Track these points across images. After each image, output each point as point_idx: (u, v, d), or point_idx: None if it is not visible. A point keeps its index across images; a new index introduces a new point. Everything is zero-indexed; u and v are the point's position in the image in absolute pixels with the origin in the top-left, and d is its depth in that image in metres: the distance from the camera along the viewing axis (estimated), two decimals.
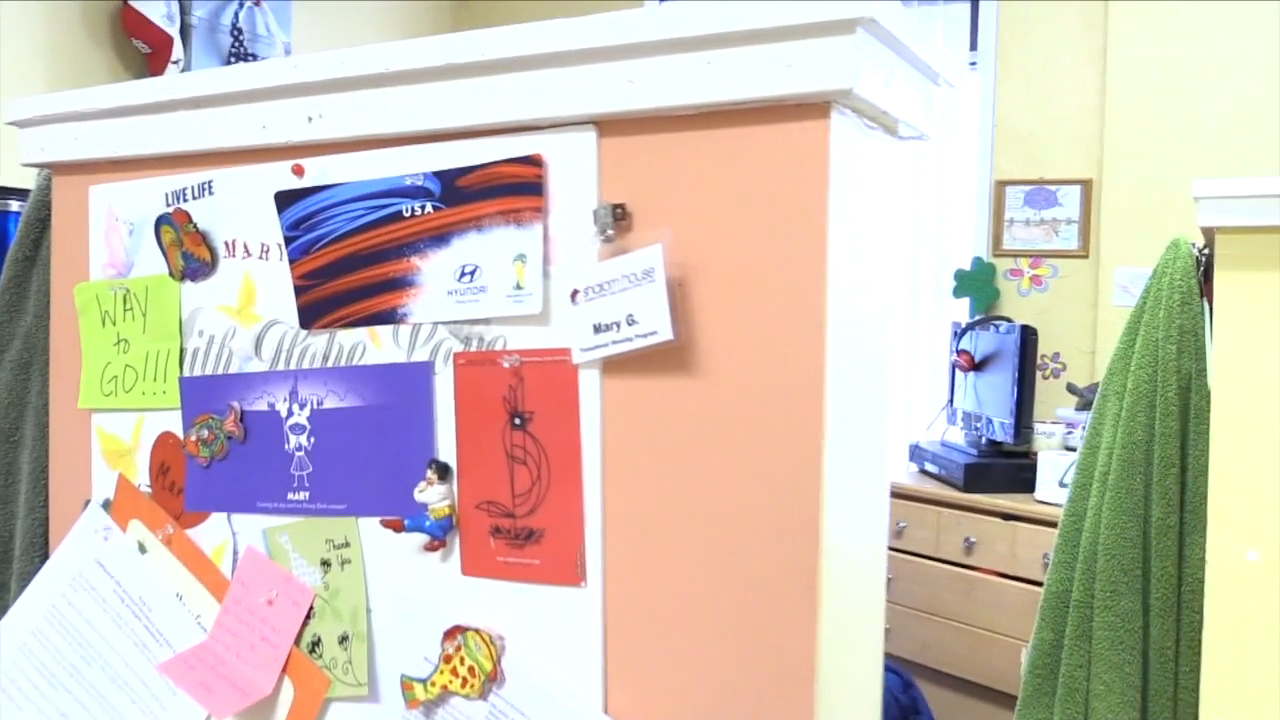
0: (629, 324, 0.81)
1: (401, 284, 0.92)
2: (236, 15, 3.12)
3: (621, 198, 0.83)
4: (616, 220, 0.82)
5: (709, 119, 0.80)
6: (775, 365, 0.78)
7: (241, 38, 3.11)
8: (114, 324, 1.11)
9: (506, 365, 0.87)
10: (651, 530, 0.83)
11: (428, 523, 0.90)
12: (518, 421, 0.87)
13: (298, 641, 0.99)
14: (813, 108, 0.77)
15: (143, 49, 3.07)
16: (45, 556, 1.18)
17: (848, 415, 0.81)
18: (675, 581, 0.83)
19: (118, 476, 1.11)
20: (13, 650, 1.13)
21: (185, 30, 3.08)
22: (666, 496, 0.83)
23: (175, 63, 3.04)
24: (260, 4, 3.18)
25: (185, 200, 1.05)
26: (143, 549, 1.09)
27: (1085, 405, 2.76)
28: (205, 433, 1.04)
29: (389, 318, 0.93)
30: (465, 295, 0.89)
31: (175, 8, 3.05)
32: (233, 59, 3.11)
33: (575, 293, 0.84)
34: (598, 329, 0.83)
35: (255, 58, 3.12)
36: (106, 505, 1.12)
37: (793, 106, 0.77)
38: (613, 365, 0.84)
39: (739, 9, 0.76)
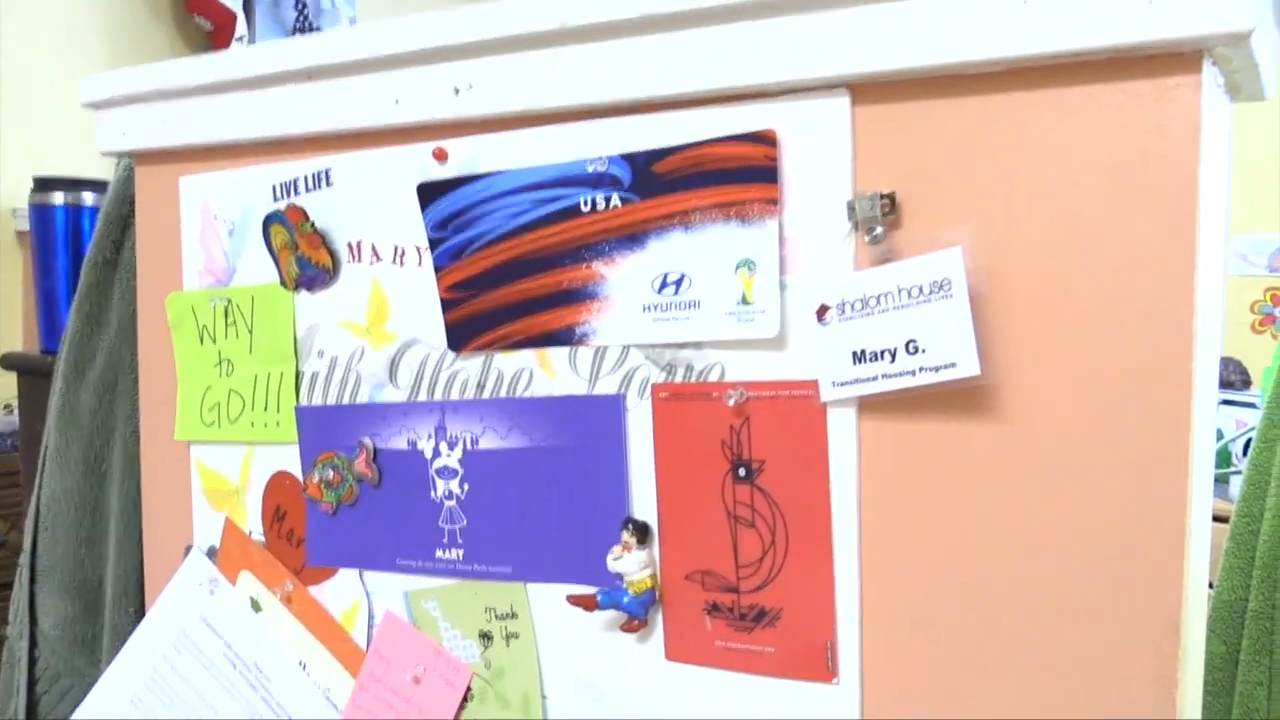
0: (910, 352, 0.59)
1: (580, 296, 0.71)
2: None
3: (885, 185, 0.61)
4: (883, 215, 0.60)
5: (1019, 77, 0.57)
6: (1118, 407, 0.56)
7: (306, 11, 2.90)
8: (214, 341, 0.90)
9: (728, 401, 0.66)
10: (927, 616, 0.62)
11: (626, 599, 0.69)
12: (743, 473, 0.66)
13: None
14: (1178, 59, 0.54)
15: (205, 26, 2.87)
16: (139, 608, 0.99)
17: (1205, 465, 0.59)
18: (959, 685, 0.61)
19: (224, 520, 0.91)
20: None
21: (248, 5, 2.87)
22: (949, 574, 0.61)
23: (239, 39, 2.83)
24: None
25: (297, 193, 0.84)
26: (256, 607, 0.89)
27: None
28: (330, 474, 0.83)
29: (564, 338, 0.72)
30: (669, 312, 0.67)
31: None
32: (297, 33, 2.90)
33: (824, 310, 0.62)
34: (859, 358, 0.61)
35: (320, 31, 2.91)
36: (212, 553, 0.92)
37: (1145, 59, 0.55)
38: (873, 404, 0.62)
39: None
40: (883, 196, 0.60)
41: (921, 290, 0.58)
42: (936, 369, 0.58)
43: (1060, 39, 0.55)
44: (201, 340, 0.91)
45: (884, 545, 0.63)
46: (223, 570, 0.91)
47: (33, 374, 1.50)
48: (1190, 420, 0.55)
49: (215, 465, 0.92)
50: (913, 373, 0.59)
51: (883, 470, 0.63)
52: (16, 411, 1.67)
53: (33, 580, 1.04)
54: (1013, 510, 0.59)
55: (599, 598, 0.70)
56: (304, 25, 2.87)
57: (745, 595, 0.67)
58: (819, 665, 0.65)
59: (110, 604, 1.01)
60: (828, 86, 0.62)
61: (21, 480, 1.61)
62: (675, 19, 0.64)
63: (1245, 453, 2.06)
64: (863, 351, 0.61)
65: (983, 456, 0.60)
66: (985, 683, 0.61)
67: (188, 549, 0.94)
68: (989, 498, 0.60)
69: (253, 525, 0.90)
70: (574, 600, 0.71)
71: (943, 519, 0.61)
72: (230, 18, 2.82)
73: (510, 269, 0.73)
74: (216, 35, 2.86)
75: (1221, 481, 2.37)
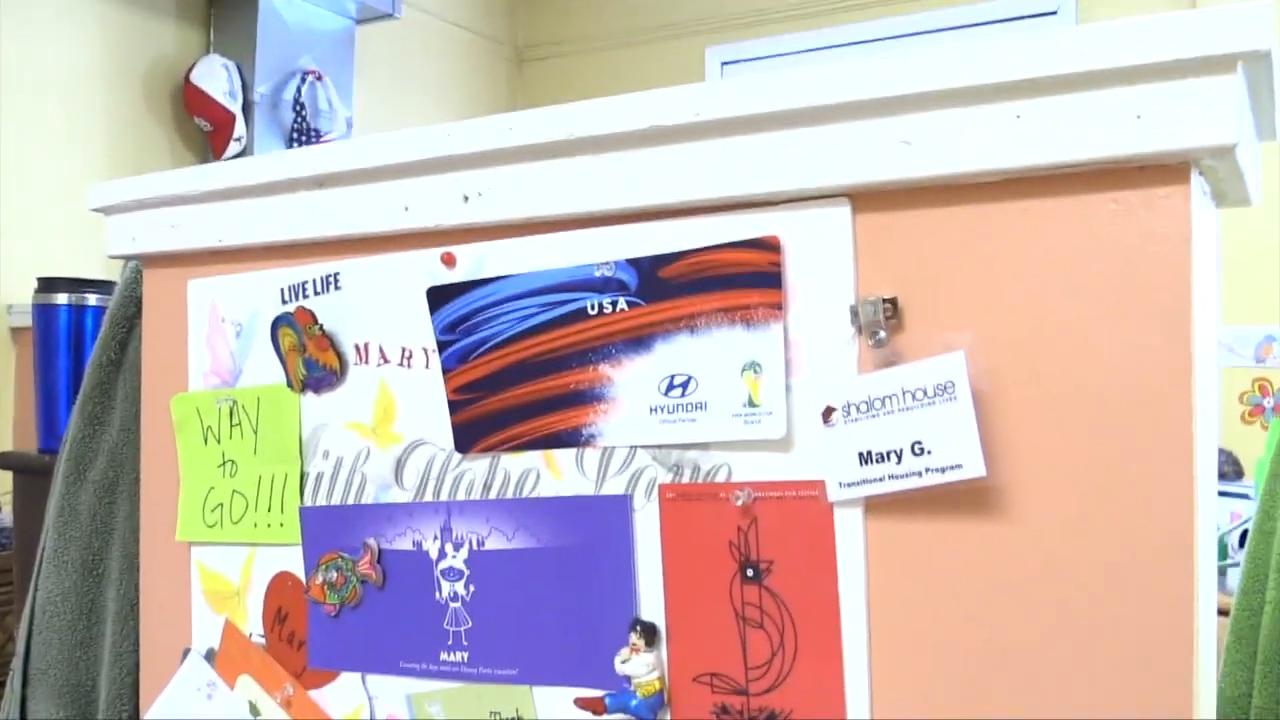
0: (916, 454, 0.60)
1: (587, 398, 0.72)
2: (299, 90, 2.97)
3: (887, 290, 0.63)
4: (886, 319, 0.62)
5: (1014, 187, 0.60)
6: (1123, 505, 0.57)
7: (304, 113, 2.96)
8: (218, 442, 0.91)
9: (736, 502, 0.67)
10: (938, 716, 0.62)
11: (633, 701, 0.69)
12: (751, 573, 0.67)
13: None
14: (1167, 170, 0.57)
15: (204, 127, 2.93)
16: (134, 712, 0.98)
17: (1209, 559, 0.60)
18: None
19: (224, 622, 0.91)
20: None
21: (247, 107, 2.94)
22: (959, 673, 0.61)
23: (237, 140, 2.89)
24: (322, 78, 3.03)
25: (305, 296, 0.85)
26: (255, 711, 0.88)
27: None
28: (333, 575, 0.83)
29: (571, 440, 0.73)
30: (675, 414, 0.69)
31: (237, 85, 2.91)
32: (295, 134, 2.96)
33: (830, 412, 0.64)
34: (865, 459, 0.62)
35: (318, 133, 2.97)
36: (210, 656, 0.92)
37: (1135, 170, 0.57)
38: (880, 504, 0.63)
39: (1063, 44, 0.56)
40: (885, 301, 0.62)
41: (926, 393, 0.60)
42: (943, 470, 0.59)
43: (1051, 151, 0.57)
44: (206, 441, 0.92)
45: (894, 645, 0.63)
46: (221, 674, 0.91)
47: (30, 473, 1.50)
48: (1194, 515, 0.56)
49: (216, 566, 0.91)
50: (919, 474, 0.60)
51: (891, 570, 0.63)
52: (9, 509, 1.66)
53: (25, 684, 1.03)
54: (1021, 609, 0.60)
55: (607, 701, 0.70)
56: (302, 126, 2.94)
57: (755, 697, 0.67)
58: None
59: (104, 708, 0.99)
60: (829, 196, 0.64)
61: (14, 579, 1.59)
62: (680, 131, 0.67)
63: (1241, 544, 2.07)
64: (869, 453, 0.62)
65: (990, 556, 0.60)
66: None
67: (186, 652, 0.93)
68: (997, 597, 0.60)
69: (253, 627, 0.89)
70: (582, 703, 0.71)
71: (951, 618, 0.62)
72: (229, 118, 2.89)
73: (518, 371, 0.74)
74: (215, 136, 2.93)
75: (1219, 574, 2.37)
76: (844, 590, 0.64)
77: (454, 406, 0.77)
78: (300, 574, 0.86)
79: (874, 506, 0.64)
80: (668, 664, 0.70)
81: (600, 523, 0.72)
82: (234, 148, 2.89)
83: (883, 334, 0.62)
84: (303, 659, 0.86)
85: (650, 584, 0.70)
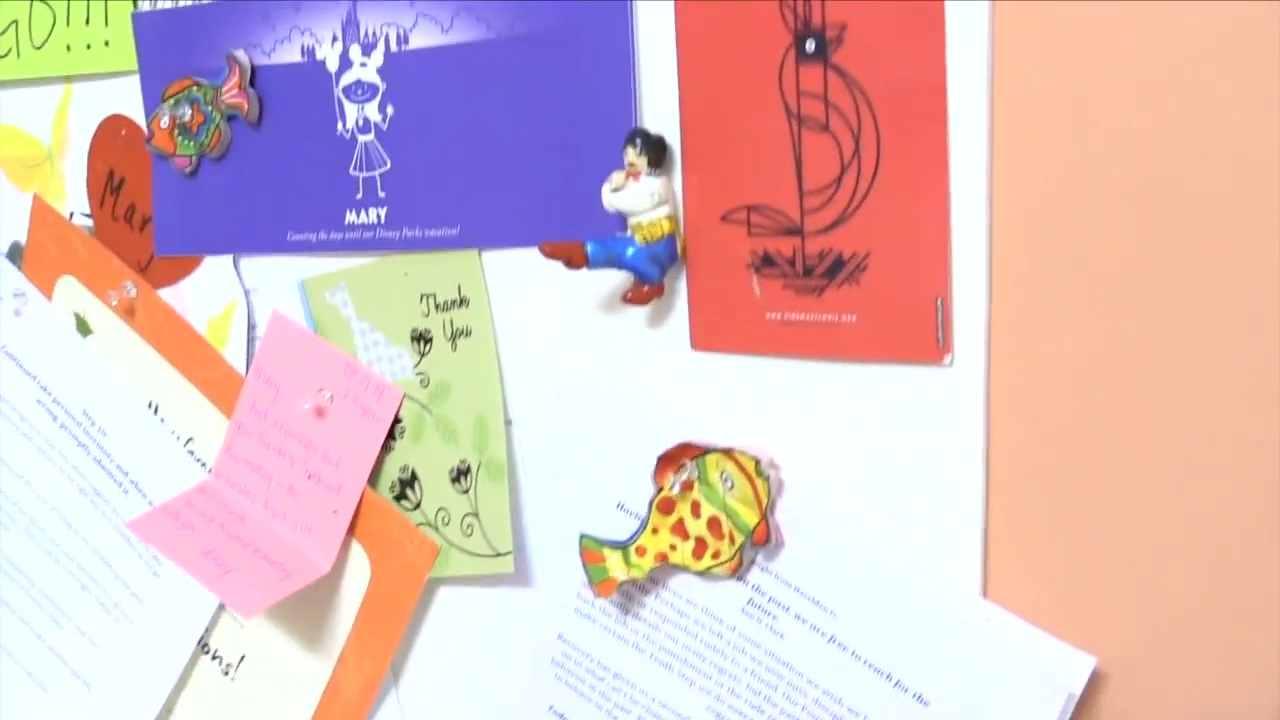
0: None
1: None
2: None
3: None
4: None
5: None
6: None
7: None
8: None
9: None
10: (1091, 248, 0.60)
11: (630, 250, 0.68)
12: (812, 46, 0.64)
13: (373, 481, 0.81)
14: None
15: None
16: None
17: None
18: (1124, 353, 0.60)
19: (32, 201, 0.93)
20: None
21: None
22: (1126, 183, 0.59)
23: None
24: None
25: None
26: (84, 328, 0.91)
27: None
28: (186, 112, 0.83)
29: None
30: None
31: None
32: None
33: None
34: None
35: None
36: (15, 254, 0.94)
37: None
38: None
39: None
40: None
41: None
42: None
43: None
44: None
45: (1029, 145, 0.61)
46: (32, 278, 0.93)
47: None
48: None
49: (14, 118, 0.93)
50: None
51: (1030, 22, 0.60)
52: None
53: None
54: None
55: (589, 249, 0.69)
56: None
57: (813, 237, 0.66)
58: (923, 336, 0.64)
59: None
60: None
61: None
62: None
63: None
64: None
65: None
66: (1159, 352, 0.59)
67: None
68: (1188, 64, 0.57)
69: (74, 204, 0.91)
70: (551, 250, 0.70)
71: (1120, 98, 0.59)
72: None
73: None
74: None
75: None
76: (955, 62, 0.61)
77: None
78: (139, 117, 0.87)
79: None
80: (683, 197, 0.69)
81: None
82: None
83: None
84: (148, 243, 0.88)
85: (656, 75, 0.69)
